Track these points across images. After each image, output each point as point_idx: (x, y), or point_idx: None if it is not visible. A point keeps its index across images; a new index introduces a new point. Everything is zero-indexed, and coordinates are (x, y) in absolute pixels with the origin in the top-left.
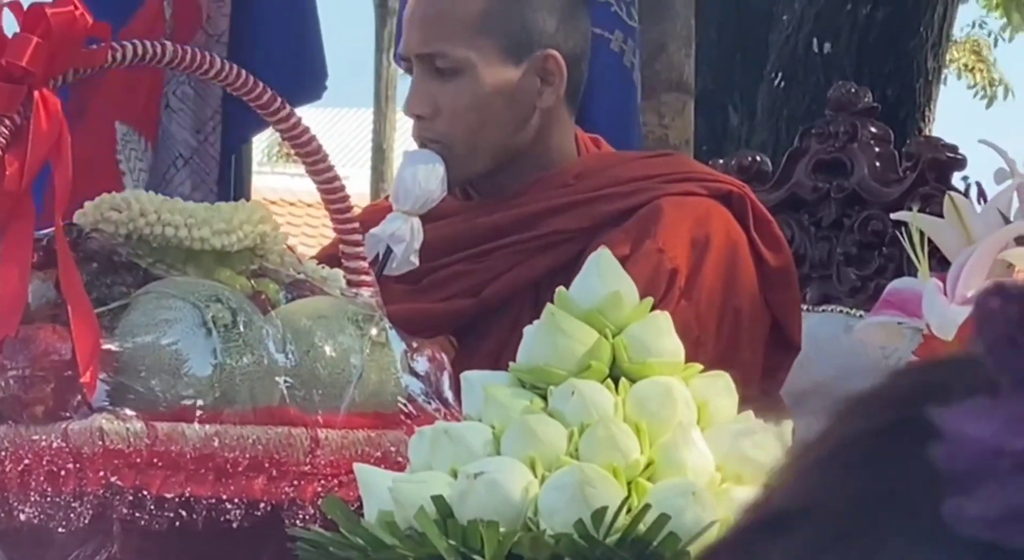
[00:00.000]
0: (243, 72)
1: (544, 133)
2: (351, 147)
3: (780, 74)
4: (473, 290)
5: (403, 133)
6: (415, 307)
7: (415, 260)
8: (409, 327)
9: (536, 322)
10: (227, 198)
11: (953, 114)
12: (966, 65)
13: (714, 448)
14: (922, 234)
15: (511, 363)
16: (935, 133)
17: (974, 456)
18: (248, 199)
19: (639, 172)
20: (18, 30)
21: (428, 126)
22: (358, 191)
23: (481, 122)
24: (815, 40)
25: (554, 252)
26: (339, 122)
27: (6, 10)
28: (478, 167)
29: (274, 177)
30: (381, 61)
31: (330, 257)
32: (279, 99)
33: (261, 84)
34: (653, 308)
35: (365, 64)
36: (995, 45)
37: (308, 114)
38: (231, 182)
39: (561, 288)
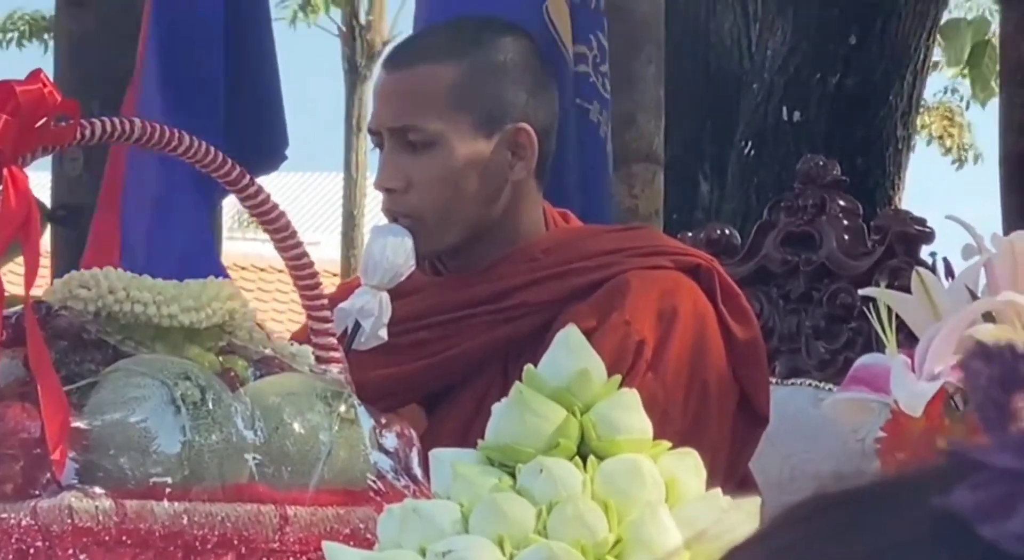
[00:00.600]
0: (212, 149)
1: (514, 206)
2: (321, 212)
3: (750, 143)
4: (434, 355)
5: (373, 199)
6: (377, 373)
7: (384, 334)
8: (369, 390)
9: (504, 399)
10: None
11: (925, 178)
12: (939, 135)
13: (682, 525)
14: (889, 309)
15: (479, 440)
16: (906, 199)
17: (1001, 481)
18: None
19: (607, 246)
20: None
21: (400, 199)
22: (328, 257)
23: (454, 195)
24: (785, 109)
25: (520, 323)
26: (310, 186)
27: None
28: (450, 240)
29: (244, 243)
30: (351, 127)
31: (306, 338)
32: (248, 176)
33: (230, 161)
34: (621, 381)
35: (336, 129)
36: (967, 108)
37: (278, 178)
38: None
39: (529, 366)
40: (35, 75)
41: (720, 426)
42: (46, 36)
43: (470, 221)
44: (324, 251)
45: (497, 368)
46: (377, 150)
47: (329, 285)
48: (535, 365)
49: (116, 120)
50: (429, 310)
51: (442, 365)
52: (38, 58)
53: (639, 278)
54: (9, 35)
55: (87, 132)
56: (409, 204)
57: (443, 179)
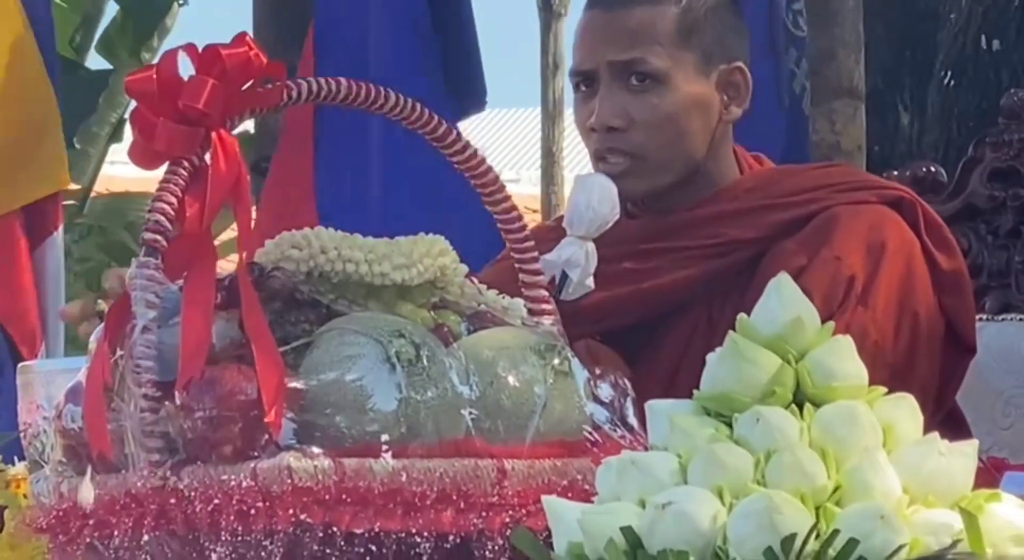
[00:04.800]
0: (418, 105)
1: (718, 148)
2: (520, 148)
3: (950, 73)
4: (641, 282)
5: (571, 135)
6: (584, 301)
7: (591, 284)
8: (577, 318)
9: (719, 349)
10: None
11: None
12: None
13: (900, 471)
14: None
15: (688, 380)
16: None
17: None
18: None
19: (809, 183)
20: (194, 72)
21: (621, 138)
22: (528, 193)
23: (677, 134)
24: (983, 37)
25: (727, 259)
26: (507, 123)
27: (181, 53)
28: (666, 181)
29: None
30: (547, 64)
31: (494, 279)
32: (454, 132)
33: (436, 117)
34: (831, 316)
35: (531, 65)
36: None
37: (475, 116)
38: None
39: (743, 315)
40: (240, 38)
41: (930, 358)
42: None
43: (688, 161)
44: (523, 187)
45: (702, 305)
46: (579, 92)
47: (530, 221)
48: (742, 303)
49: (322, 80)
50: (634, 239)
51: (649, 294)
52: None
53: (847, 213)
54: None
55: (293, 93)
56: (633, 141)
57: (668, 117)
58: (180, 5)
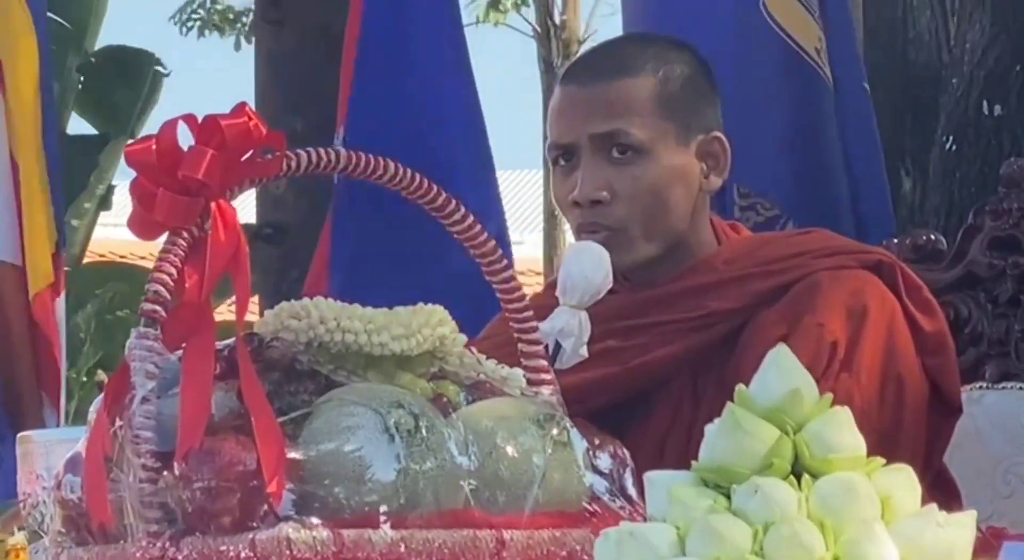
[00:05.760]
0: (417, 175)
1: (697, 219)
2: (522, 209)
3: (951, 137)
4: (624, 362)
5: None
6: (566, 379)
7: (584, 352)
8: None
9: (717, 420)
10: None
11: None
12: None
13: (899, 542)
14: None
15: (693, 462)
16: None
17: None
18: None
19: (787, 251)
20: (193, 143)
21: (604, 212)
22: (532, 256)
23: (659, 206)
24: (985, 103)
25: (710, 332)
26: (510, 184)
27: (181, 123)
28: (650, 252)
29: None
30: None
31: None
32: (453, 201)
33: (435, 187)
34: (816, 383)
35: (533, 126)
36: None
37: None
38: None
39: (741, 386)
40: (240, 108)
41: (915, 420)
42: (227, 30)
43: (670, 233)
44: (527, 250)
45: (687, 377)
46: (558, 167)
47: (534, 284)
48: (725, 374)
49: (322, 151)
50: (616, 315)
51: (635, 372)
52: (226, 51)
53: (827, 279)
54: (190, 23)
55: (292, 164)
56: (615, 215)
57: (651, 189)
58: (165, 76)
